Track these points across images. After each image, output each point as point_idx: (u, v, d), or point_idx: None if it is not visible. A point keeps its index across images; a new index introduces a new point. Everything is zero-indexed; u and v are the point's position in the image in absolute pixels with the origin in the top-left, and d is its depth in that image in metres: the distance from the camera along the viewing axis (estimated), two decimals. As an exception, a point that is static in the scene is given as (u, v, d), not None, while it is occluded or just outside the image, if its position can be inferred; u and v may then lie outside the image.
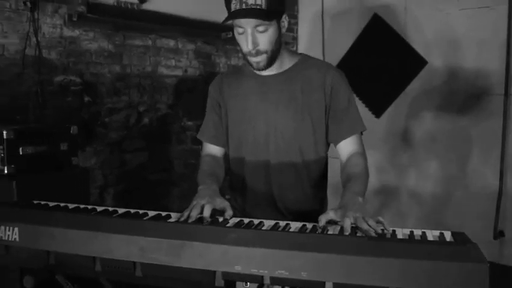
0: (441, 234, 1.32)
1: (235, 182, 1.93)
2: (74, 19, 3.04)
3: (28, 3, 2.82)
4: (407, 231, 1.35)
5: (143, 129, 3.52)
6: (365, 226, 1.33)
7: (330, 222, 1.45)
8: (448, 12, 3.84)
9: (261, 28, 1.63)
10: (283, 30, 1.73)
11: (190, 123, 3.66)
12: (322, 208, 1.93)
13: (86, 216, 1.45)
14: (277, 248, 1.18)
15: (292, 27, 4.72)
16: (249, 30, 1.63)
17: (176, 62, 3.74)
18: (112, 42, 3.31)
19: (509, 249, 3.70)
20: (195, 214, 1.47)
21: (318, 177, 1.87)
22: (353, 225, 1.37)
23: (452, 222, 3.91)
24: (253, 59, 1.69)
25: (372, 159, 4.22)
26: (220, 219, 1.49)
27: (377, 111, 4.27)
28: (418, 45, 4.01)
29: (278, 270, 1.17)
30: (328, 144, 1.86)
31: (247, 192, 1.88)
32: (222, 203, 1.56)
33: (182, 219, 1.47)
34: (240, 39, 1.68)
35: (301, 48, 4.76)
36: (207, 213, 1.48)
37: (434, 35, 3.93)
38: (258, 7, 1.58)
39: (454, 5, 3.79)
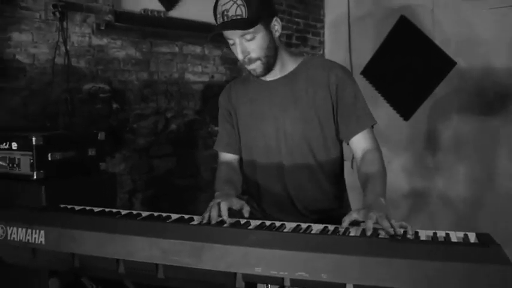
0: (466, 235, 1.29)
1: (250, 186, 1.95)
2: (102, 28, 3.10)
3: (57, 14, 2.88)
4: (430, 232, 1.33)
5: (171, 135, 3.56)
6: (385, 223, 1.32)
7: (354, 223, 1.44)
8: (476, 12, 3.78)
9: (248, 36, 1.65)
10: (277, 34, 1.74)
11: (216, 128, 3.67)
12: (342, 205, 1.93)
13: (109, 219, 1.47)
14: (297, 250, 1.18)
15: (319, 31, 4.72)
16: (237, 41, 1.66)
17: (203, 68, 3.77)
18: (139, 49, 3.36)
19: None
20: (214, 214, 1.49)
21: (333, 176, 1.87)
22: (376, 226, 1.36)
23: (483, 224, 3.83)
24: (248, 67, 1.73)
25: (400, 162, 4.22)
26: (242, 221, 1.50)
27: (406, 114, 4.22)
28: (446, 46, 3.95)
29: (298, 272, 1.17)
30: (340, 143, 1.85)
31: (263, 196, 1.90)
32: (238, 202, 1.60)
33: (205, 221, 1.48)
34: (233, 49, 1.72)
35: (328, 52, 4.75)
36: (224, 211, 1.50)
37: (462, 35, 3.88)
38: (239, 17, 1.61)
39: (482, 4, 3.73)
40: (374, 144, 1.77)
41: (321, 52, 4.75)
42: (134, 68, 3.34)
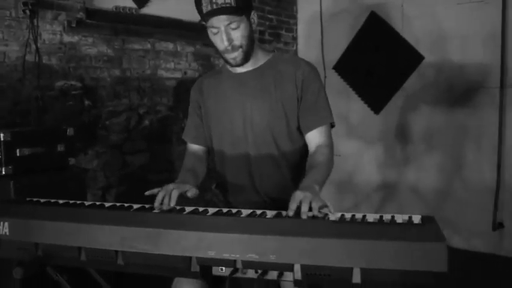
0: (410, 217, 1.36)
1: (219, 176, 2.01)
2: (73, 25, 3.12)
3: (28, 11, 2.90)
4: (377, 216, 1.40)
5: (144, 131, 3.60)
6: (305, 207, 1.40)
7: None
8: (444, 7, 3.87)
9: (233, 25, 1.74)
10: (254, 26, 1.84)
11: (190, 124, 3.73)
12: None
13: (71, 209, 1.52)
14: (247, 233, 1.24)
15: (292, 28, 4.78)
16: (223, 28, 1.74)
17: (176, 65, 3.81)
18: (111, 46, 3.39)
19: (508, 240, 3.71)
20: (160, 197, 1.58)
21: (296, 166, 1.94)
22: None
23: (451, 215, 3.94)
24: (229, 56, 1.80)
25: (372, 155, 4.31)
26: (201, 209, 1.56)
27: (376, 108, 4.31)
28: (415, 41, 4.04)
29: (248, 254, 1.23)
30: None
31: (230, 185, 1.97)
32: (189, 187, 1.67)
33: (156, 205, 1.57)
34: (215, 39, 1.79)
35: (301, 47, 4.82)
36: (174, 197, 1.58)
37: (430, 30, 3.97)
38: (228, 5, 1.69)
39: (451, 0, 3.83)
40: (327, 141, 1.87)
41: (294, 48, 4.82)
42: (106, 65, 3.37)
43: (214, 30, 1.76)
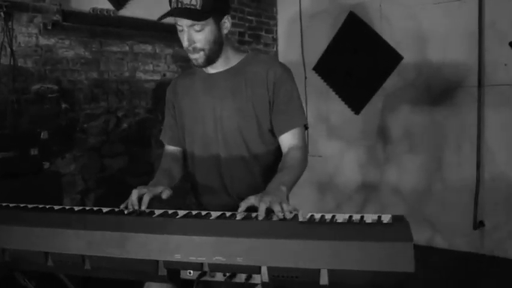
0: (379, 217, 1.36)
1: (192, 177, 2.00)
2: (49, 28, 3.09)
3: (2, 14, 2.86)
4: (346, 216, 1.40)
5: (123, 133, 3.57)
6: (277, 207, 1.39)
7: (252, 208, 1.48)
8: (422, 7, 3.90)
9: (197, 27, 1.71)
10: (225, 31, 1.81)
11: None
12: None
13: (40, 214, 1.50)
14: (214, 235, 1.23)
15: (272, 29, 4.78)
16: (185, 29, 1.72)
17: (155, 67, 3.79)
18: (89, 49, 3.36)
19: (488, 238, 3.74)
20: (134, 198, 1.58)
21: (268, 168, 1.92)
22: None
23: (433, 215, 3.96)
24: (191, 56, 1.79)
25: (352, 155, 4.32)
26: (170, 211, 1.54)
27: (356, 108, 4.33)
28: (393, 41, 4.06)
29: (215, 257, 1.22)
30: (276, 138, 1.92)
31: (201, 187, 1.96)
32: (162, 188, 1.66)
33: (123, 206, 1.58)
34: (180, 36, 1.77)
35: (281, 49, 4.82)
36: (145, 201, 1.58)
37: (408, 30, 3.99)
38: (193, 7, 1.66)
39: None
40: (300, 143, 1.85)
41: (275, 49, 4.82)
42: (83, 67, 3.34)
43: (179, 28, 1.75)
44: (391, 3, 4.06)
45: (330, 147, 4.51)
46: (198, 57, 1.77)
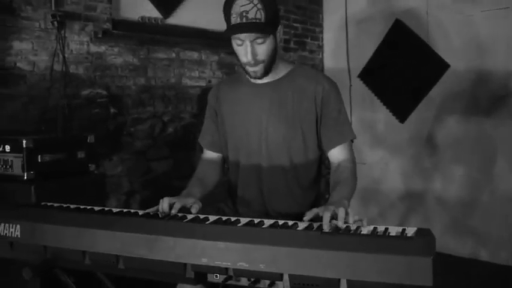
0: (403, 230, 1.37)
1: (231, 185, 2.04)
2: (100, 36, 3.24)
3: (56, 23, 3.02)
4: (371, 227, 1.41)
5: (168, 138, 3.68)
6: (341, 214, 1.40)
7: (316, 219, 1.51)
8: (470, 15, 3.82)
9: (259, 40, 1.74)
10: (279, 40, 1.84)
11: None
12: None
13: (79, 214, 1.58)
14: (239, 242, 1.27)
15: (318, 36, 4.80)
16: (248, 43, 1.74)
17: (200, 73, 3.89)
18: (137, 56, 3.49)
19: (536, 253, 3.62)
20: (165, 205, 1.64)
21: (308, 180, 1.95)
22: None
23: (478, 227, 3.87)
24: (251, 69, 1.80)
25: (397, 164, 4.27)
26: (202, 216, 1.60)
27: (401, 117, 4.28)
28: (440, 48, 4.00)
29: (239, 263, 1.27)
30: (320, 151, 1.94)
31: (240, 195, 1.99)
32: (192, 201, 1.70)
33: (150, 210, 1.65)
34: (239, 50, 1.79)
35: (326, 56, 4.83)
36: (176, 207, 1.64)
37: (456, 38, 3.92)
38: (258, 21, 1.69)
39: (475, 7, 3.77)
40: (350, 157, 1.88)
41: (320, 56, 4.83)
42: (131, 73, 3.47)
43: (239, 42, 1.76)
44: (438, 10, 4.00)
45: (375, 155, 4.48)
46: (258, 69, 1.80)
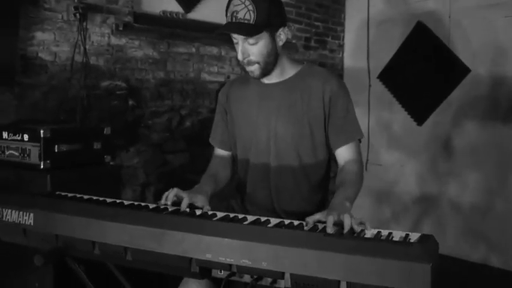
0: (407, 235, 1.37)
1: (240, 183, 2.06)
2: (121, 28, 3.28)
3: (78, 15, 3.07)
4: (375, 231, 1.42)
5: (185, 131, 3.72)
6: (347, 220, 1.41)
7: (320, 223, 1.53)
8: (492, 20, 3.78)
9: (251, 41, 1.77)
10: (281, 43, 1.85)
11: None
12: (319, 211, 2.01)
13: (90, 205, 1.63)
14: (243, 239, 1.30)
15: (339, 35, 4.79)
16: (240, 42, 1.78)
17: (219, 69, 3.92)
18: (157, 49, 3.53)
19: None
20: (171, 195, 1.70)
21: (316, 180, 1.96)
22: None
23: (491, 233, 3.84)
24: (247, 68, 1.84)
25: (412, 166, 4.26)
26: (209, 212, 1.63)
27: (419, 119, 4.26)
28: (462, 53, 3.97)
29: (242, 260, 1.29)
30: (329, 151, 1.95)
31: (249, 193, 2.01)
32: (202, 200, 1.73)
33: (161, 203, 1.69)
34: (236, 47, 1.83)
35: (347, 55, 4.82)
36: (184, 205, 1.66)
37: (478, 42, 3.88)
38: (247, 21, 1.72)
39: (499, 12, 3.73)
40: (356, 157, 1.88)
41: (340, 55, 4.82)
42: (151, 67, 3.51)
43: (234, 40, 1.82)
44: (461, 14, 3.96)
45: (391, 157, 4.47)
46: (253, 69, 1.83)
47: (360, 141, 1.94)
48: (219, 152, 2.13)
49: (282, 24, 1.84)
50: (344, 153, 1.88)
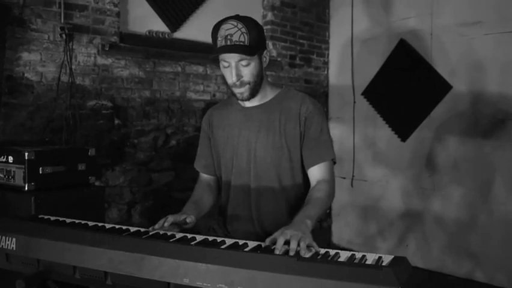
0: (379, 258, 1.41)
1: (222, 204, 2.10)
2: (107, 48, 3.31)
3: (64, 35, 3.11)
4: (349, 253, 1.46)
5: (171, 150, 3.75)
6: (293, 245, 1.45)
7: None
8: (473, 37, 3.86)
9: (244, 62, 1.83)
10: (265, 64, 1.93)
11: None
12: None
13: (71, 230, 1.65)
14: (219, 264, 1.33)
15: (324, 52, 4.86)
16: (233, 64, 1.84)
17: (205, 87, 3.96)
18: (143, 69, 3.57)
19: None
20: (166, 226, 1.72)
21: (295, 202, 2.00)
22: None
23: (476, 248, 3.88)
24: (237, 90, 1.89)
25: (397, 182, 4.31)
26: (189, 236, 1.66)
27: (403, 135, 4.32)
28: (443, 70, 4.04)
29: (218, 284, 1.32)
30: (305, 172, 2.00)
31: (230, 214, 2.05)
32: (186, 215, 1.80)
33: (151, 231, 1.69)
34: (225, 72, 1.88)
35: (332, 72, 4.88)
36: (169, 221, 1.73)
37: (459, 60, 3.96)
38: (242, 43, 1.79)
39: (478, 30, 3.81)
40: (328, 177, 1.93)
41: (325, 73, 4.88)
42: (137, 86, 3.55)
43: (225, 64, 1.86)
44: (442, 32, 4.04)
45: (375, 173, 4.52)
46: (243, 91, 1.89)
47: (334, 162, 1.98)
48: (204, 176, 2.18)
49: (265, 46, 1.94)
50: (315, 173, 1.93)
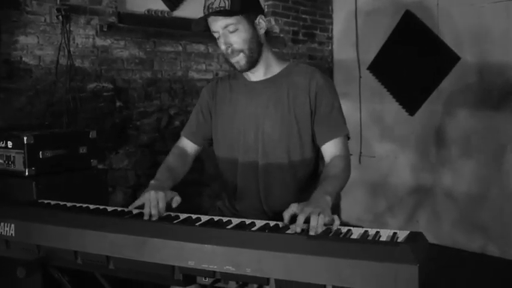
0: (394, 234, 1.34)
1: (227, 183, 2.03)
2: (105, 29, 3.23)
3: (61, 17, 3.03)
4: (362, 230, 1.39)
5: (175, 131, 3.68)
6: (313, 222, 1.39)
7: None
8: (481, 6, 3.74)
9: (230, 28, 1.76)
10: (262, 31, 1.85)
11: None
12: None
13: (71, 214, 1.60)
14: (225, 245, 1.27)
15: (327, 27, 4.75)
16: (221, 32, 1.78)
17: (207, 66, 3.88)
18: (143, 49, 3.49)
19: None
20: (155, 212, 1.61)
21: (304, 178, 1.94)
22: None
23: (487, 222, 3.82)
24: (232, 59, 1.82)
25: (406, 157, 4.24)
26: (193, 216, 1.60)
27: (411, 109, 4.23)
28: (451, 41, 3.93)
29: (226, 266, 1.26)
30: (316, 147, 1.93)
31: (237, 193, 1.98)
32: (169, 194, 1.73)
33: (146, 217, 1.61)
34: (219, 43, 1.83)
35: (336, 47, 4.78)
36: (162, 209, 1.64)
37: (467, 30, 3.85)
38: (222, 8, 1.72)
39: (486, -2, 3.70)
40: (343, 152, 1.86)
41: (329, 48, 4.78)
42: (137, 67, 3.47)
43: (216, 35, 1.81)
44: (449, 1, 3.92)
45: (383, 148, 4.44)
46: (238, 59, 1.81)
47: (348, 137, 1.91)
48: (184, 143, 2.07)
49: (258, 11, 1.85)
50: (330, 149, 1.86)
